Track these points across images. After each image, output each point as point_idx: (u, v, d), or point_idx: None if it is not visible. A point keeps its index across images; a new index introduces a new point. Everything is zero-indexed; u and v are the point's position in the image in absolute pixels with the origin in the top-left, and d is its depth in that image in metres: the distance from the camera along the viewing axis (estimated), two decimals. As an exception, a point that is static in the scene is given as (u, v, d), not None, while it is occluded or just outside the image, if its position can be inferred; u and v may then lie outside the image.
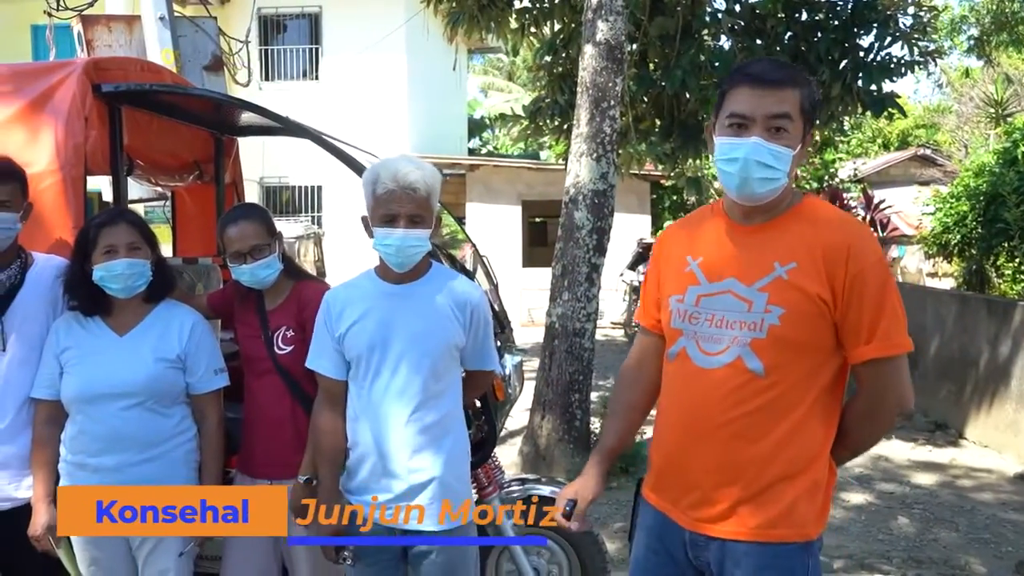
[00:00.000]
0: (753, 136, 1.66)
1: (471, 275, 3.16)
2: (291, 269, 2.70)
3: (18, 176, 2.37)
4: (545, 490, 3.13)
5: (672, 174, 9.26)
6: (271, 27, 14.93)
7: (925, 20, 7.31)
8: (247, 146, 14.63)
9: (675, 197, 14.50)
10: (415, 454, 2.19)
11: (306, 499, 2.36)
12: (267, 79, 14.76)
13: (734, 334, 1.71)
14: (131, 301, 2.39)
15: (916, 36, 7.17)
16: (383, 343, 2.18)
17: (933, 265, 12.93)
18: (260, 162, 13.95)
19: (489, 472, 3.04)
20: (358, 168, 2.60)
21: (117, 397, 2.31)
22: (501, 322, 3.35)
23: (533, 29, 8.30)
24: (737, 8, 7.52)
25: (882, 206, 12.31)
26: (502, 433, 6.88)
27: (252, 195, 14.71)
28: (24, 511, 2.34)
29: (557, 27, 8.14)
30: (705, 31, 7.58)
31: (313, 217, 14.28)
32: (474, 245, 3.92)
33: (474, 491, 3.03)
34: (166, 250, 4.13)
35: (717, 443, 1.74)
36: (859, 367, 1.70)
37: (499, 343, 3.28)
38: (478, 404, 2.86)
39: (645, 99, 8.07)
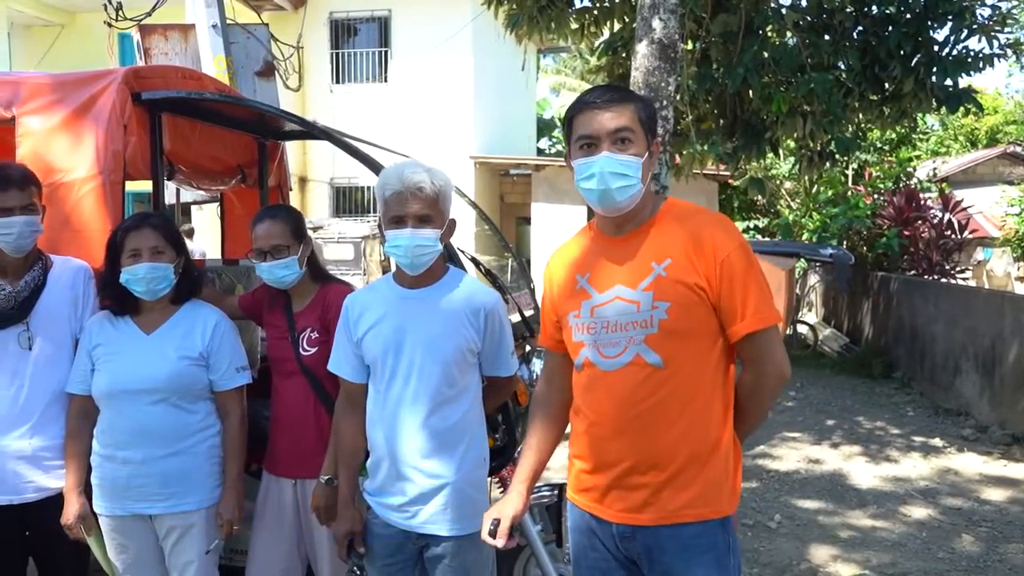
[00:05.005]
0: (603, 152, 1.84)
1: (495, 278, 3.16)
2: (317, 272, 2.75)
3: (35, 181, 2.49)
4: (573, 496, 3.09)
5: (735, 174, 9.05)
6: (342, 31, 15.24)
7: (1005, 11, 6.93)
8: (319, 148, 14.93)
9: (744, 197, 14.18)
10: (428, 458, 2.20)
11: (327, 499, 2.41)
12: (338, 82, 15.09)
13: (629, 335, 1.85)
14: (158, 302, 2.50)
15: (995, 28, 6.80)
16: (397, 347, 2.20)
17: (1019, 269, 12.31)
18: (331, 163, 14.32)
19: (516, 476, 3.03)
20: (379, 171, 2.63)
21: (143, 393, 2.41)
22: (531, 326, 3.33)
23: (593, 29, 8.22)
24: (803, 3, 7.28)
25: (961, 206, 11.71)
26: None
27: (323, 195, 15.10)
28: (56, 500, 2.47)
29: (617, 27, 8.05)
30: (769, 28, 7.36)
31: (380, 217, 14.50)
32: (511, 250, 3.91)
33: (500, 494, 3.03)
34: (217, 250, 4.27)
35: (630, 437, 1.87)
36: (739, 344, 1.86)
37: (528, 347, 3.27)
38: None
39: (708, 98, 7.91)
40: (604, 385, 1.90)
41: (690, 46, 7.41)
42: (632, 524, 1.89)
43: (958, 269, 11.39)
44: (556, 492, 3.08)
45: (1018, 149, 19.06)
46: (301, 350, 2.62)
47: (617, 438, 1.88)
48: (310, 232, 2.78)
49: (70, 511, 2.44)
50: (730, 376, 1.92)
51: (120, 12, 5.47)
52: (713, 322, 1.84)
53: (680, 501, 1.85)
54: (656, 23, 5.45)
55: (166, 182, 3.20)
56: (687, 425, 1.84)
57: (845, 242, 11.73)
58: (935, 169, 16.83)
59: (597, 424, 1.92)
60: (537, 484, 3.08)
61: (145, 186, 3.16)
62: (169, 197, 4.28)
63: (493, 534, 2.00)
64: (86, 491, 2.48)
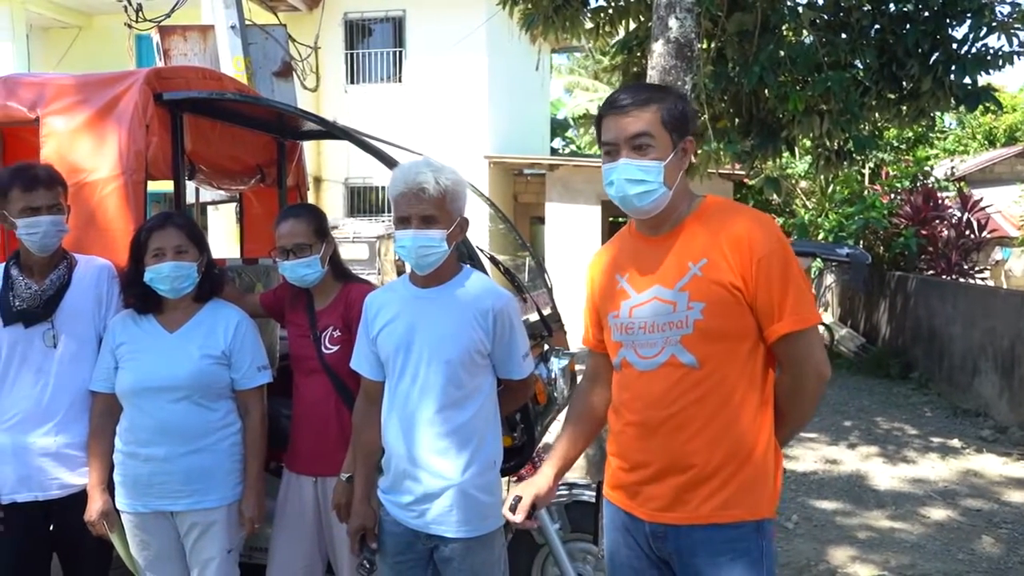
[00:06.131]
0: (621, 159, 1.84)
1: (513, 277, 3.16)
2: (340, 271, 2.77)
3: (61, 181, 2.53)
4: (591, 496, 3.08)
5: (751, 173, 9.01)
6: (356, 31, 15.29)
7: (1025, 8, 6.85)
8: (333, 149, 14.93)
9: (759, 196, 14.11)
10: (434, 458, 2.21)
11: (347, 497, 2.42)
12: (352, 83, 15.14)
13: (665, 335, 1.86)
14: (181, 301, 2.52)
15: (1015, 25, 6.74)
16: (407, 346, 2.21)
17: (1038, 268, 12.20)
18: (345, 163, 14.37)
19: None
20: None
21: (165, 391, 2.44)
22: (548, 325, 3.33)
23: (608, 29, 8.21)
24: (819, 1, 7.24)
25: (980, 205, 11.60)
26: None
27: (337, 195, 15.14)
28: (80, 497, 2.49)
29: (632, 27, 8.03)
30: (785, 26, 7.33)
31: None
32: (529, 249, 3.92)
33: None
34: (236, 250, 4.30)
35: (664, 437, 1.87)
36: (776, 345, 1.83)
37: (546, 346, 3.27)
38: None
39: (724, 97, 7.88)
40: (640, 385, 1.91)
41: (706, 45, 7.39)
42: (664, 523, 1.88)
43: (976, 269, 11.28)
44: (595, 490, 3.08)
45: (1037, 148, 18.88)
46: (323, 348, 2.63)
47: (651, 438, 1.88)
48: None
49: (93, 508, 2.46)
50: (770, 378, 1.89)
51: (140, 14, 5.53)
52: (750, 322, 1.82)
53: (714, 503, 1.83)
54: (672, 22, 5.43)
55: (187, 182, 3.22)
56: (722, 426, 1.82)
57: (862, 242, 11.64)
58: (953, 168, 16.69)
59: (632, 424, 1.93)
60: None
61: (162, 186, 3.18)
62: (188, 197, 4.30)
63: (514, 509, 2.02)
64: (109, 488, 2.51)
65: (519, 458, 2.82)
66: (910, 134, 13.33)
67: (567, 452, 2.13)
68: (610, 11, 8.04)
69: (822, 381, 1.88)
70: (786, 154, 8.32)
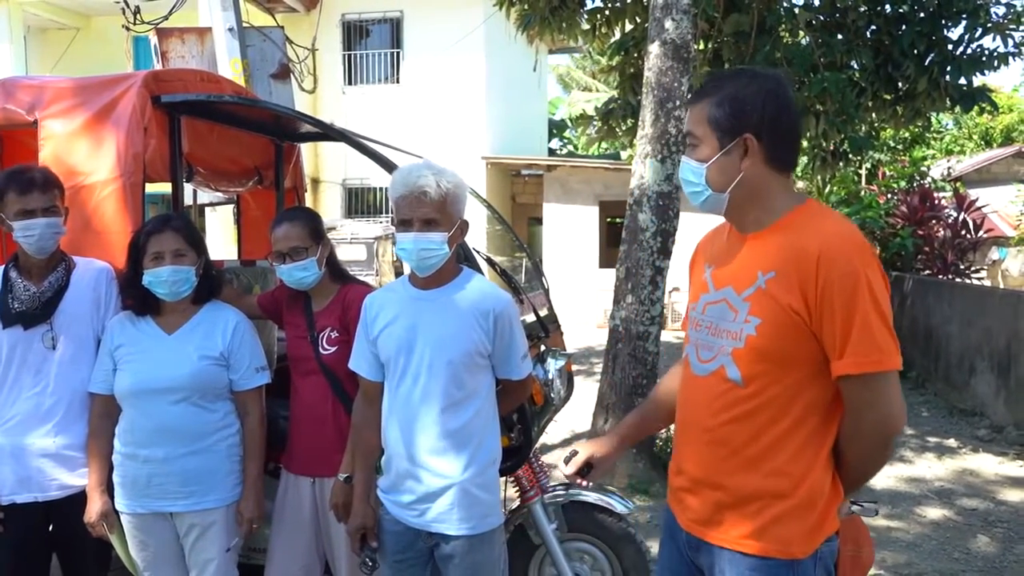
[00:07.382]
0: (684, 155, 1.77)
1: (510, 279, 3.18)
2: (337, 272, 2.78)
3: (57, 183, 2.54)
4: (591, 496, 3.10)
5: (748, 174, 9.01)
6: (354, 33, 15.30)
7: (1020, 9, 6.89)
8: (331, 150, 14.88)
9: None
10: (435, 458, 2.22)
11: (345, 497, 2.44)
12: (350, 84, 15.14)
13: (722, 343, 1.71)
14: (179, 302, 2.53)
15: (1010, 26, 6.77)
16: (408, 347, 2.22)
17: (1035, 268, 12.23)
18: (343, 165, 14.37)
19: (532, 475, 3.04)
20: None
21: (164, 392, 2.45)
22: (545, 327, 3.34)
23: (604, 30, 8.23)
24: (816, 2, 7.27)
25: (976, 205, 11.64)
26: (567, 435, 6.88)
27: (335, 196, 15.14)
28: (79, 498, 2.50)
29: (629, 27, 8.06)
30: (781, 27, 7.35)
31: (393, 218, 14.56)
32: (526, 250, 3.93)
33: (516, 494, 3.05)
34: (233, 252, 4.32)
35: (702, 448, 1.76)
36: (838, 383, 1.61)
37: (543, 347, 3.28)
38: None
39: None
40: (690, 389, 1.82)
41: (702, 46, 7.42)
42: (698, 537, 1.79)
43: (973, 269, 11.31)
44: (593, 490, 3.10)
45: (1033, 148, 18.91)
46: (321, 349, 2.64)
47: (692, 446, 1.79)
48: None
49: (93, 509, 2.48)
50: (837, 412, 1.67)
51: (138, 16, 5.55)
52: (812, 349, 1.61)
53: (743, 529, 1.69)
54: (668, 23, 5.45)
55: (184, 184, 3.24)
56: (761, 452, 1.66)
57: (858, 242, 11.67)
58: (949, 168, 16.74)
59: (680, 426, 1.85)
60: (552, 484, 3.13)
61: (160, 188, 3.20)
62: (186, 199, 4.32)
63: (567, 462, 2.04)
64: (108, 489, 2.52)
65: (516, 458, 2.83)
66: (906, 134, 13.38)
67: (638, 423, 2.10)
68: (607, 12, 8.07)
69: (886, 437, 1.65)
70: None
